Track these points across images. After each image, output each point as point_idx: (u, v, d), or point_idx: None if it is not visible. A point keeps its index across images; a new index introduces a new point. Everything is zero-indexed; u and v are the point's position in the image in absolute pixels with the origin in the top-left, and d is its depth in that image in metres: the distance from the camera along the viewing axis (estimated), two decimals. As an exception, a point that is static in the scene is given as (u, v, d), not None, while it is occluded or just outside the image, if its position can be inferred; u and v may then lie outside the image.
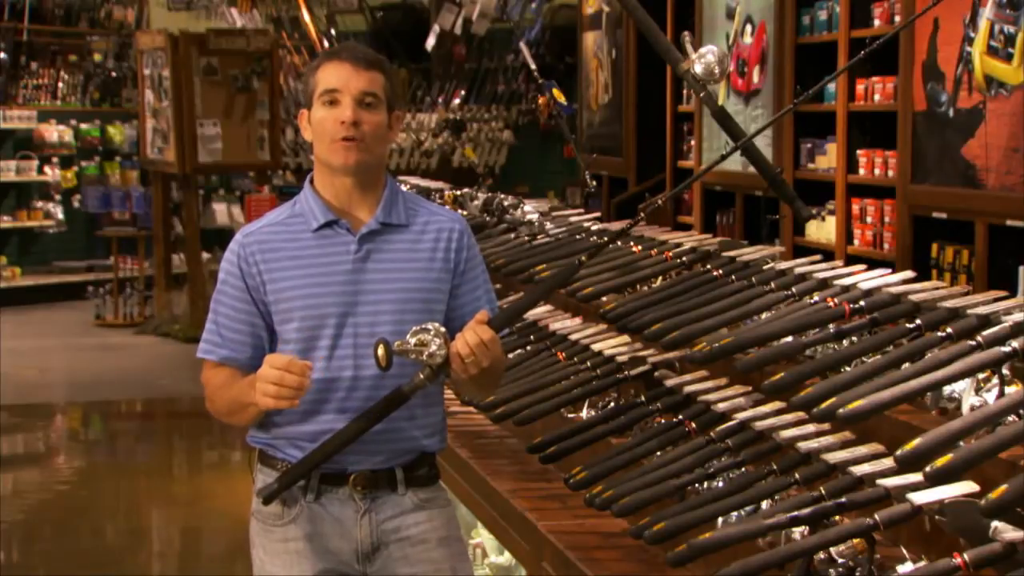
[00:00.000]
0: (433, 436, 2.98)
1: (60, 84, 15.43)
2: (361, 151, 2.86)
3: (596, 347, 3.90)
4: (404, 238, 2.94)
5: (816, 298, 3.34)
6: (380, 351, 2.76)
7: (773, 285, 3.53)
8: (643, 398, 3.56)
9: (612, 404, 3.69)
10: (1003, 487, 2.26)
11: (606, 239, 3.38)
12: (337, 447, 2.84)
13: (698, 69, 4.07)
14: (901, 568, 2.52)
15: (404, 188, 3.18)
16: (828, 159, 7.02)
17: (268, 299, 2.89)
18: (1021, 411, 2.55)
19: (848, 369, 2.97)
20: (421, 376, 2.81)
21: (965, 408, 2.73)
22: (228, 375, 2.93)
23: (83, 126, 15.24)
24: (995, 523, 2.27)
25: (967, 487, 2.40)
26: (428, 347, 2.78)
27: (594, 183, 5.86)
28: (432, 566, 2.93)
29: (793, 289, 3.47)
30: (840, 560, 2.55)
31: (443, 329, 2.81)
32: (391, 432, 2.88)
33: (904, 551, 2.59)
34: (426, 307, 2.91)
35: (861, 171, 6.67)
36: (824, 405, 2.76)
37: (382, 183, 2.96)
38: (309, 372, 2.76)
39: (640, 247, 4.40)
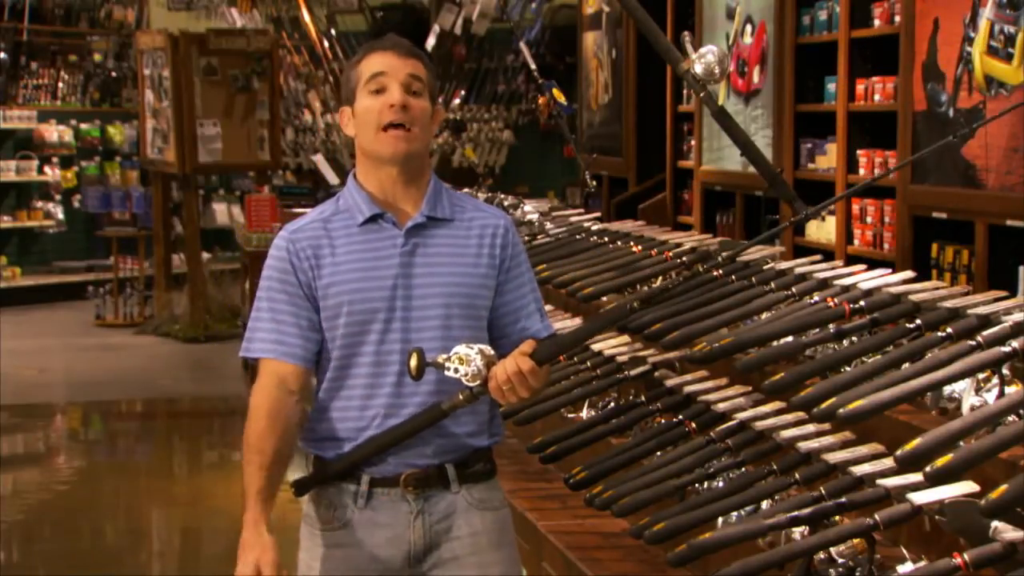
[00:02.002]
0: (480, 434, 2.91)
1: (60, 84, 15.42)
2: (410, 140, 2.82)
3: (596, 347, 3.90)
4: (450, 233, 2.89)
5: (816, 298, 3.34)
6: (413, 361, 2.72)
7: (773, 285, 3.54)
8: (643, 398, 3.56)
9: (612, 404, 3.69)
10: (1003, 487, 2.26)
11: (669, 284, 3.38)
12: (373, 452, 2.81)
13: (698, 69, 4.07)
14: (901, 568, 2.52)
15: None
16: (828, 159, 7.01)
17: (318, 295, 2.85)
18: (1021, 411, 2.55)
19: (848, 369, 2.97)
20: (460, 397, 2.78)
21: (965, 408, 2.73)
22: (273, 415, 2.83)
23: (83, 126, 15.23)
24: (995, 523, 2.27)
25: (967, 487, 2.40)
26: (467, 365, 2.73)
27: (594, 183, 5.87)
28: (482, 570, 2.88)
29: (793, 289, 3.48)
30: (840, 560, 2.56)
31: (488, 350, 2.76)
32: (433, 430, 2.83)
33: (904, 551, 2.59)
34: (471, 302, 2.86)
35: (861, 171, 6.67)
36: (824, 405, 2.77)
37: (426, 177, 2.92)
38: None
39: (640, 247, 4.40)
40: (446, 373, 2.74)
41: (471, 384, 2.75)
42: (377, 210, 2.87)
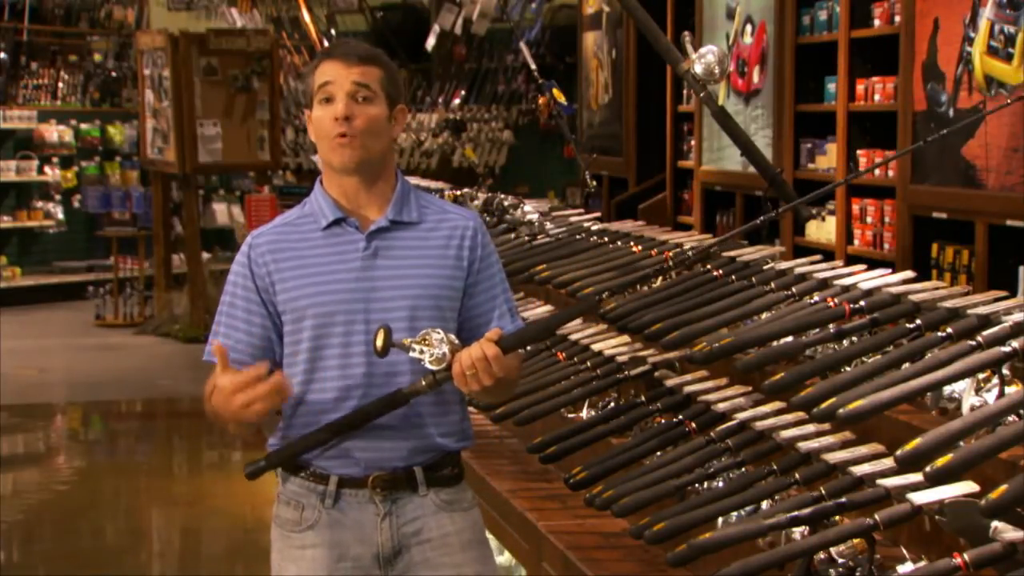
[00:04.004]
0: (450, 436, 2.92)
1: (60, 84, 15.43)
2: (356, 148, 2.83)
3: (596, 347, 3.90)
4: (415, 235, 2.90)
5: (816, 298, 3.34)
6: (379, 340, 2.73)
7: (773, 285, 3.53)
8: (643, 398, 3.56)
9: (612, 404, 3.69)
10: (1003, 487, 2.26)
11: (653, 270, 3.38)
12: (329, 436, 2.82)
13: (698, 69, 4.07)
14: (901, 568, 2.52)
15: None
16: (828, 159, 7.01)
17: (277, 299, 2.86)
18: (1021, 411, 2.55)
19: (848, 369, 2.97)
20: (423, 383, 2.79)
21: (965, 408, 2.73)
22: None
23: (83, 126, 15.24)
24: (995, 523, 2.27)
25: (967, 487, 2.40)
26: (432, 349, 2.74)
27: (594, 183, 5.86)
28: (454, 570, 2.88)
29: (793, 289, 3.47)
30: (840, 560, 2.55)
31: (455, 339, 2.77)
32: (403, 431, 2.84)
33: (904, 551, 2.59)
34: (437, 304, 2.86)
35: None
36: (824, 405, 2.76)
37: (392, 180, 2.92)
38: (264, 374, 2.74)
39: (640, 247, 4.40)
40: (411, 354, 2.75)
41: (434, 368, 2.76)
42: (340, 214, 2.88)
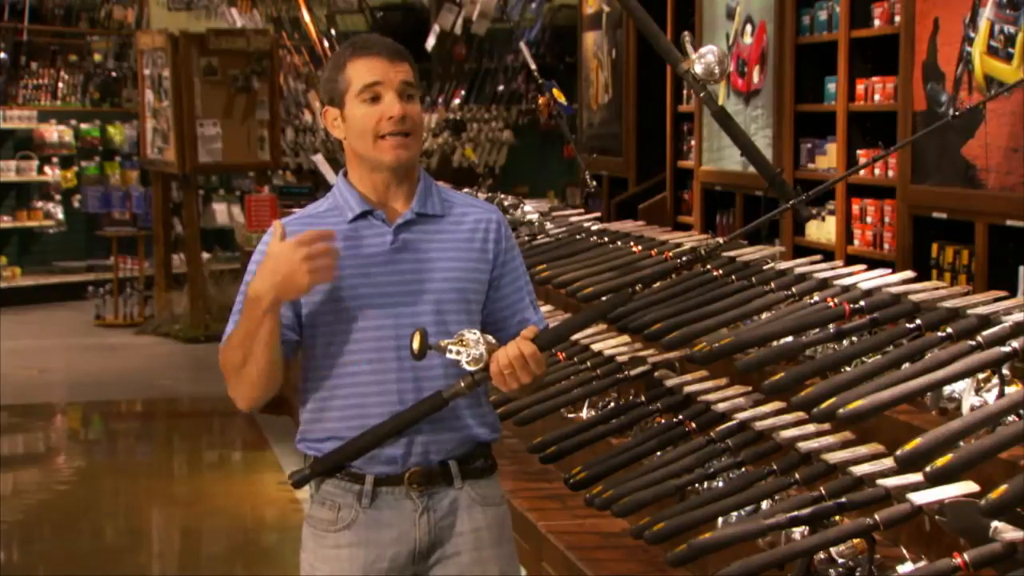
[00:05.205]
0: (482, 428, 2.91)
1: (60, 84, 15.42)
2: (412, 148, 2.84)
3: (596, 347, 3.90)
4: (440, 228, 2.90)
5: (816, 298, 3.34)
6: (416, 342, 2.72)
7: (773, 285, 3.54)
8: (643, 398, 3.56)
9: (612, 404, 3.69)
10: (1003, 487, 2.26)
11: (683, 260, 3.39)
12: (373, 443, 2.81)
13: (698, 69, 4.07)
14: (901, 568, 2.52)
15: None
16: (828, 159, 7.01)
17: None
18: (1021, 411, 2.55)
19: (848, 369, 2.97)
20: (462, 384, 2.78)
21: (965, 408, 2.73)
22: None
23: (83, 126, 15.23)
24: (995, 523, 2.27)
25: (967, 487, 2.41)
26: (469, 349, 2.74)
27: (594, 183, 5.86)
28: (480, 567, 2.89)
29: (793, 289, 3.48)
30: (840, 560, 2.56)
31: (491, 339, 2.77)
32: (437, 425, 2.84)
33: (904, 551, 2.59)
34: (464, 296, 2.87)
35: (861, 171, 6.67)
36: (824, 405, 2.77)
37: (416, 174, 2.92)
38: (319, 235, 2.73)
39: (640, 247, 4.41)
40: (448, 355, 2.75)
41: (472, 368, 2.75)
42: (367, 207, 2.87)
